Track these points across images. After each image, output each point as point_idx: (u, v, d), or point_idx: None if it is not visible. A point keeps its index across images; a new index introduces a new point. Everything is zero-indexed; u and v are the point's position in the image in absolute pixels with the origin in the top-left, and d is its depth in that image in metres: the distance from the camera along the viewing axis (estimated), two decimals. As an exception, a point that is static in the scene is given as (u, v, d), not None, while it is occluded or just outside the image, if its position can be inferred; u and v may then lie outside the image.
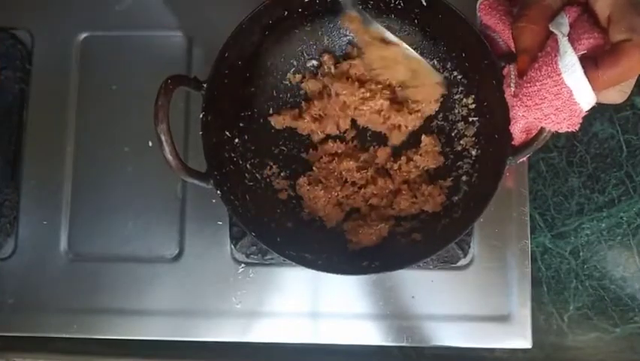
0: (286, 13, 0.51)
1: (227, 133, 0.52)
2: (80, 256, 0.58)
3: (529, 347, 0.55)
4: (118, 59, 0.61)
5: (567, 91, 0.39)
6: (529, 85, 0.41)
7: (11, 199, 0.58)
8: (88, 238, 0.58)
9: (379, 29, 0.52)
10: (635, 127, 0.59)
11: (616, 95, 0.40)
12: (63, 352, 0.58)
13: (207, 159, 0.48)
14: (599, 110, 0.59)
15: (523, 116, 0.43)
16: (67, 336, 0.57)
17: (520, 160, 0.50)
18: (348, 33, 0.56)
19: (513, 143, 0.48)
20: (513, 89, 0.46)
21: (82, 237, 0.58)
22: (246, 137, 0.54)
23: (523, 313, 0.56)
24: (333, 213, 0.54)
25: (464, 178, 0.53)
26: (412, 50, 0.52)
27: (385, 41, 0.52)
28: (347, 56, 0.56)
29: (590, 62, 0.37)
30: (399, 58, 0.53)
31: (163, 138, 0.42)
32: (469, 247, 0.57)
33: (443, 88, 0.54)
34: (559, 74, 0.39)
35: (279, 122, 0.55)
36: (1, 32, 0.61)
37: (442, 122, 0.55)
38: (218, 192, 0.47)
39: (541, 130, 0.45)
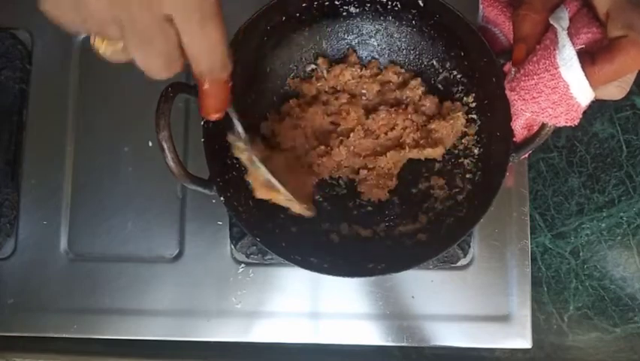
0: (284, 18, 0.51)
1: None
2: (80, 256, 0.58)
3: (529, 347, 0.55)
4: (118, 59, 0.61)
5: (564, 85, 0.39)
6: (526, 78, 0.41)
7: (11, 199, 0.58)
8: (88, 238, 0.58)
9: (266, 175, 0.47)
10: (635, 127, 0.59)
11: (614, 91, 0.40)
12: (63, 352, 0.58)
13: (210, 165, 0.47)
14: (599, 110, 0.59)
15: (521, 109, 0.43)
16: (67, 336, 0.57)
17: (522, 157, 0.50)
18: (346, 37, 0.56)
19: (515, 139, 0.48)
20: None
21: (82, 237, 0.58)
22: None
23: (523, 313, 0.56)
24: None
25: (467, 176, 0.53)
26: (290, 195, 0.48)
27: (271, 185, 0.48)
28: (342, 60, 0.56)
29: (587, 58, 0.37)
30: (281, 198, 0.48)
31: (165, 145, 0.41)
32: (469, 247, 0.57)
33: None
34: (556, 68, 0.39)
35: (266, 127, 0.55)
36: (1, 32, 0.61)
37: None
38: (222, 198, 0.47)
39: (543, 126, 0.45)
